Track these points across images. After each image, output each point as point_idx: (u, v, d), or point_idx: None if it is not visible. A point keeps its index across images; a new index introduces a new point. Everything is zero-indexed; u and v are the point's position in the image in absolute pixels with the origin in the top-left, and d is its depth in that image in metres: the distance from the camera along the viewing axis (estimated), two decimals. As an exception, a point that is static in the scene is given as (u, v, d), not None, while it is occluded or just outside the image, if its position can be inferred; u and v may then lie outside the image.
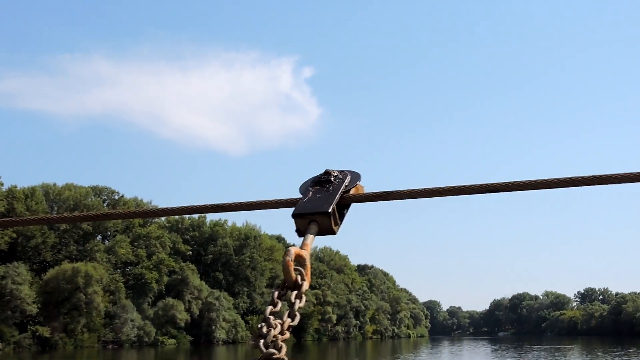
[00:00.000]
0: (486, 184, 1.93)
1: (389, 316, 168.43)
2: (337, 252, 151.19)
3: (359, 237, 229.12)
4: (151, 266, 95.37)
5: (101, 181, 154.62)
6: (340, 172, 2.10)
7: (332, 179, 2.06)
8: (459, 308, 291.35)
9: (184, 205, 2.22)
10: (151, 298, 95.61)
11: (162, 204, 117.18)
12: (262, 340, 1.53)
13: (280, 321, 1.57)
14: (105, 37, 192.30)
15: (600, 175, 1.86)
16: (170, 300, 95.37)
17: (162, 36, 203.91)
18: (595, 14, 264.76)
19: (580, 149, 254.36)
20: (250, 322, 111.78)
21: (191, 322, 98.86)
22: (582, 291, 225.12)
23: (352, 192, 2.05)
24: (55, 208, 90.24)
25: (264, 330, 1.54)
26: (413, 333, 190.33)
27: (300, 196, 2.04)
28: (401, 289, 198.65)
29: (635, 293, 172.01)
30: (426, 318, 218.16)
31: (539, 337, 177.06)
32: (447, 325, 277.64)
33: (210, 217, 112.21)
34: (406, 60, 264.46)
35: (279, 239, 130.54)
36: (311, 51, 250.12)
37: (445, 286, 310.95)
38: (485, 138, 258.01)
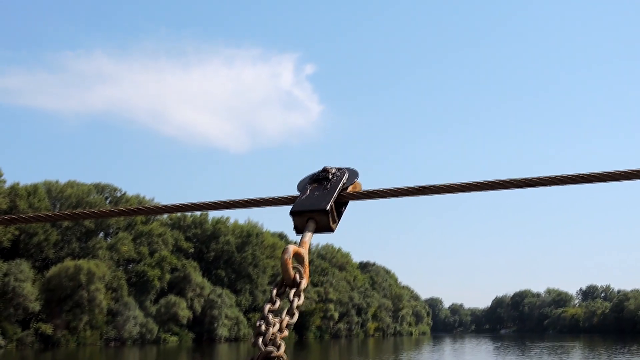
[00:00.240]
0: (488, 182, 1.93)
1: (391, 313, 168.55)
2: (339, 250, 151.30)
3: (361, 235, 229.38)
4: (153, 263, 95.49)
5: (103, 178, 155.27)
6: (338, 169, 2.09)
7: (330, 176, 2.05)
8: (461, 305, 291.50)
9: (183, 202, 2.22)
10: (153, 295, 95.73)
11: (164, 201, 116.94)
12: (260, 338, 1.53)
13: (279, 319, 1.57)
14: (107, 34, 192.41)
15: (603, 173, 1.86)
16: (172, 298, 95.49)
17: (163, 33, 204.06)
18: (602, 13, 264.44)
19: (581, 148, 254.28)
20: (252, 319, 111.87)
21: (193, 320, 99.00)
22: (584, 289, 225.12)
23: (350, 189, 2.04)
24: (58, 205, 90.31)
25: (263, 328, 1.54)
26: (415, 330, 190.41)
27: (298, 193, 2.03)
28: (403, 286, 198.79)
29: (637, 290, 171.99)
30: (428, 315, 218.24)
31: (541, 335, 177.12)
32: (449, 323, 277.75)
33: (213, 214, 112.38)
34: (408, 57, 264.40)
35: (281, 236, 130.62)
36: (313, 48, 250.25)
37: (447, 283, 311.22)
38: (488, 136, 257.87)
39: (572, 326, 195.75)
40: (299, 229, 1.91)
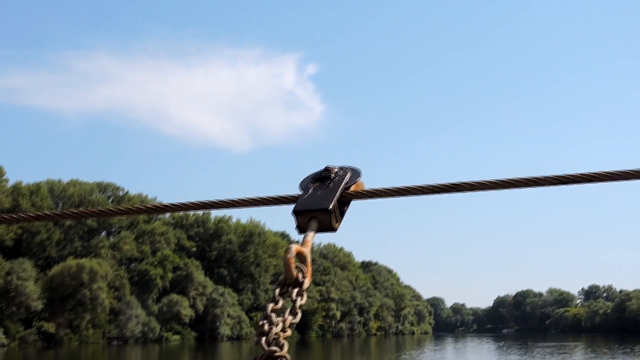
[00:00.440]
0: (490, 181, 1.93)
1: (392, 313, 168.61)
2: (341, 249, 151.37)
3: (363, 234, 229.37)
4: (156, 262, 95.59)
5: (105, 177, 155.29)
6: (341, 168, 2.08)
7: (333, 175, 2.05)
8: (463, 305, 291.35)
9: (186, 201, 2.23)
10: (156, 294, 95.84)
11: (167, 201, 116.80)
12: (264, 338, 1.52)
13: (281, 318, 1.56)
14: (109, 34, 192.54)
15: (602, 173, 1.87)
16: (174, 297, 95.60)
17: (165, 32, 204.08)
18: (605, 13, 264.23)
19: (582, 147, 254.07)
20: (255, 318, 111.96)
21: (195, 318, 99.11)
22: (586, 288, 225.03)
23: (352, 188, 2.03)
24: (60, 204, 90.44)
25: (266, 327, 1.53)
26: (417, 330, 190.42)
27: (301, 192, 2.02)
28: (405, 285, 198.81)
29: (639, 290, 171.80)
30: (430, 315, 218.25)
31: (543, 334, 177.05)
32: (450, 322, 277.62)
33: (215, 213, 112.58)
34: (410, 57, 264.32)
35: (284, 235, 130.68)
36: (315, 48, 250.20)
37: (449, 283, 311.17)
38: (489, 135, 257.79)
39: (574, 326, 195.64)
40: (302, 228, 1.90)
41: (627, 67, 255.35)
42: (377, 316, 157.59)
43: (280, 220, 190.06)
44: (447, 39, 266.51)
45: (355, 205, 2.07)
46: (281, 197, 2.09)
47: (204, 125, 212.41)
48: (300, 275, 1.64)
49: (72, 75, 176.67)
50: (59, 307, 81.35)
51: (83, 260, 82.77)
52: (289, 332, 1.56)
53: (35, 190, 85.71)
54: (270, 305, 1.57)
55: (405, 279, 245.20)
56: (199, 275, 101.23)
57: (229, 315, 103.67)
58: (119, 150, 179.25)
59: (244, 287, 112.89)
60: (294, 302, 1.60)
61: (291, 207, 1.96)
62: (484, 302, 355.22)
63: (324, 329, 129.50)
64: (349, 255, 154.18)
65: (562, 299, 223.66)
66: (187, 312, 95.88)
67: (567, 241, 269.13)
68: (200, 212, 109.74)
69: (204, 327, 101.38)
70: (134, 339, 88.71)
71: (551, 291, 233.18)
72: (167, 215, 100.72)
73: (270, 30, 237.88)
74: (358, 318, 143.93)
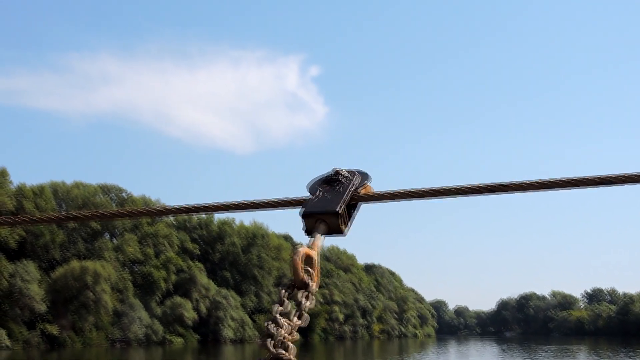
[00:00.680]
0: (496, 184, 1.95)
1: (395, 315, 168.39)
2: (344, 251, 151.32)
3: (366, 237, 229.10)
4: (159, 265, 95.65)
5: (109, 179, 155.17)
6: (350, 171, 2.08)
7: (341, 178, 2.05)
8: (466, 307, 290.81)
9: (191, 204, 2.24)
10: (159, 297, 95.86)
11: (170, 202, 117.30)
12: (270, 341, 1.51)
13: (288, 321, 1.56)
14: (113, 35, 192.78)
15: (607, 176, 1.87)
16: (178, 299, 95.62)
17: (169, 34, 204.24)
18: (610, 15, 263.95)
19: (587, 148, 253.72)
20: (258, 321, 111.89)
21: (199, 321, 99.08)
22: (590, 291, 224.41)
23: (361, 192, 2.04)
24: (64, 206, 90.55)
25: (273, 330, 1.52)
26: (420, 332, 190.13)
27: (309, 195, 2.03)
28: (408, 288, 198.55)
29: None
30: (433, 317, 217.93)
31: (546, 337, 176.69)
32: (453, 325, 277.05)
33: (218, 215, 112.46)
34: (413, 58, 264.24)
35: (287, 237, 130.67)
36: (318, 50, 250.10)
37: (452, 286, 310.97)
38: (494, 136, 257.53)
39: (578, 329, 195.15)
40: (310, 231, 1.90)
41: (633, 67, 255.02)
42: (380, 319, 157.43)
43: (283, 222, 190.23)
44: (449, 39, 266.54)
45: (361, 207, 2.07)
46: (289, 199, 2.11)
47: (207, 126, 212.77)
48: (307, 278, 1.64)
49: (75, 77, 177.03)
50: (63, 309, 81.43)
51: (87, 263, 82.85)
52: (295, 335, 1.55)
53: (39, 192, 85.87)
54: (277, 308, 1.57)
55: (408, 281, 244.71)
56: (202, 278, 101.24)
57: (232, 318, 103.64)
58: (122, 151, 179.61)
59: (247, 290, 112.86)
60: (301, 304, 1.60)
61: (296, 209, 1.97)
62: (487, 304, 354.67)
63: (326, 331, 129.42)
64: (351, 257, 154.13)
65: (565, 301, 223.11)
66: (190, 315, 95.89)
67: (571, 244, 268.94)
68: (203, 215, 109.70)
69: (207, 329, 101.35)
70: (137, 341, 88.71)
71: (554, 294, 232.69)
72: (171, 217, 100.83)
73: (273, 32, 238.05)
74: (361, 321, 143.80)
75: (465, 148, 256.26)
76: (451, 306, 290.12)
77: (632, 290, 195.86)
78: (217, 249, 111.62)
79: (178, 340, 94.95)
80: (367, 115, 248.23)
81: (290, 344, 1.52)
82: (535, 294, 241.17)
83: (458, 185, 1.98)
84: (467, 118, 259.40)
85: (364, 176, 2.08)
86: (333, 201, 1.95)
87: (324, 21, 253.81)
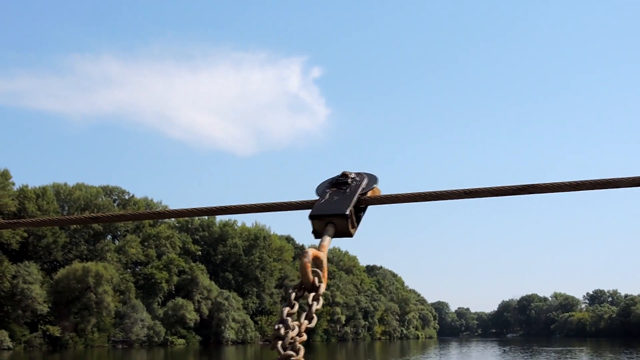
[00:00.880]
0: (506, 187, 1.96)
1: (397, 317, 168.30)
2: (346, 253, 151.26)
3: (368, 238, 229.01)
4: (161, 266, 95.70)
5: (111, 181, 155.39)
6: (358, 174, 2.11)
7: (350, 181, 2.07)
8: (467, 309, 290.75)
9: (197, 206, 2.27)
10: (161, 298, 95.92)
11: (171, 204, 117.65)
12: (280, 342, 1.52)
13: (297, 323, 1.56)
14: (115, 37, 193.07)
15: (610, 179, 1.87)
16: (179, 300, 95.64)
17: (171, 36, 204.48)
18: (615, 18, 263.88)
19: (590, 152, 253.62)
20: (260, 322, 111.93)
21: (200, 322, 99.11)
22: (591, 293, 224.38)
23: (369, 194, 2.06)
24: (66, 208, 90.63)
25: (282, 331, 1.53)
26: (421, 334, 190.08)
27: (317, 198, 2.04)
28: (410, 289, 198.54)
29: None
30: (434, 319, 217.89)
31: (548, 339, 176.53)
32: (455, 327, 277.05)
33: (220, 217, 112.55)
34: (414, 60, 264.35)
35: (289, 239, 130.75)
36: (319, 51, 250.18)
37: (453, 287, 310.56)
38: (496, 138, 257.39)
39: (579, 330, 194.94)
40: (318, 233, 1.93)
41: (633, 70, 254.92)
42: (381, 320, 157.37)
43: (285, 224, 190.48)
44: (450, 42, 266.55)
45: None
46: (298, 202, 2.14)
47: (209, 128, 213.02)
48: (316, 280, 1.65)
49: (77, 78, 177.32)
50: (65, 311, 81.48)
51: (89, 264, 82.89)
52: (305, 337, 1.56)
53: (41, 193, 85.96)
54: (287, 309, 1.57)
55: (410, 283, 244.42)
56: (204, 279, 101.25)
57: (233, 320, 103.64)
58: (124, 153, 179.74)
59: (248, 291, 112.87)
60: (310, 306, 1.60)
61: (307, 212, 1.99)
62: (489, 306, 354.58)
63: (328, 333, 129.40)
64: (353, 259, 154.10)
65: (567, 303, 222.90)
66: (192, 316, 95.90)
67: (572, 245, 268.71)
68: (205, 216, 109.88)
69: (209, 331, 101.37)
70: (139, 342, 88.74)
71: (556, 295, 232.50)
72: (173, 219, 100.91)
73: (275, 34, 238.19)
74: (363, 322, 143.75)
75: (467, 149, 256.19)
76: (453, 308, 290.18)
77: (634, 291, 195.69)
78: (219, 250, 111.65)
79: (180, 342, 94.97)
80: (368, 117, 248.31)
81: (300, 346, 1.53)
82: (536, 295, 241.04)
83: (464, 188, 2.01)
84: (469, 120, 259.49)
85: (372, 179, 2.11)
86: (341, 203, 1.96)
87: (325, 23, 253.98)
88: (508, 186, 1.99)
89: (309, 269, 1.63)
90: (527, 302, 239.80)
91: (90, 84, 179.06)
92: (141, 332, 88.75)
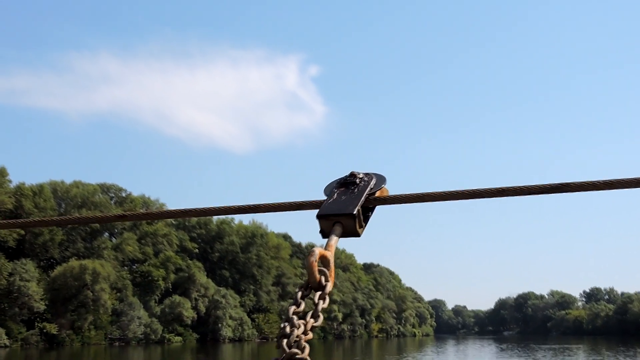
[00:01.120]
0: (512, 187, 1.96)
1: (394, 315, 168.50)
2: (343, 251, 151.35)
3: (365, 236, 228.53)
4: (158, 264, 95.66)
5: (108, 179, 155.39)
6: (366, 174, 2.11)
7: (358, 181, 2.07)
8: (464, 307, 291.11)
9: (206, 206, 2.27)
10: (158, 295, 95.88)
11: (169, 201, 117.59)
12: (285, 340, 1.52)
13: (303, 321, 1.57)
14: (113, 35, 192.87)
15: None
16: (176, 298, 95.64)
17: (169, 34, 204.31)
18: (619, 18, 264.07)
19: (589, 153, 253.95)
20: (257, 320, 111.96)
21: (197, 320, 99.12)
22: (588, 290, 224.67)
23: (377, 194, 2.06)
24: (63, 205, 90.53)
25: (287, 330, 1.53)
26: (418, 332, 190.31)
27: (325, 197, 2.04)
28: (407, 287, 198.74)
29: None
30: (431, 317, 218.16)
31: (545, 337, 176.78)
32: (452, 324, 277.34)
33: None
34: (412, 59, 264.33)
35: (285, 237, 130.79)
36: (317, 50, 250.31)
37: (450, 285, 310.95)
38: (494, 138, 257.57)
39: (576, 328, 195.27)
40: (325, 233, 1.92)
41: (634, 71, 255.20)
42: (378, 318, 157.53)
43: (282, 222, 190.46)
44: (448, 41, 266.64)
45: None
46: (305, 202, 2.14)
47: (206, 126, 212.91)
48: (323, 279, 1.65)
49: (75, 77, 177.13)
50: (62, 308, 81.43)
51: (86, 262, 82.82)
52: (310, 335, 1.56)
53: (38, 191, 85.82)
54: (293, 308, 1.57)
55: (407, 280, 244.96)
56: (201, 277, 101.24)
57: (230, 317, 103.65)
58: (122, 151, 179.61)
59: (245, 289, 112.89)
60: (317, 305, 1.61)
61: (315, 212, 1.98)
62: (486, 304, 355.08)
63: (325, 330, 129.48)
64: (351, 256, 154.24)
65: (563, 301, 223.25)
66: (189, 314, 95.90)
67: (569, 243, 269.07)
68: (193, 207, 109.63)
69: (206, 328, 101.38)
70: (136, 340, 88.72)
71: (553, 293, 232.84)
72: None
73: (272, 32, 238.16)
74: (360, 320, 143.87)
75: (464, 149, 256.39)
76: (450, 305, 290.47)
77: (630, 289, 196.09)
78: (216, 248, 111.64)
79: (177, 339, 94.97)
80: (365, 116, 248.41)
81: (305, 344, 1.53)
82: (533, 293, 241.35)
83: (471, 189, 2.00)
84: (467, 119, 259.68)
85: (381, 179, 2.11)
86: (349, 203, 1.96)
87: (323, 21, 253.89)
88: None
89: (316, 268, 1.63)
90: (523, 300, 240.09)
91: (89, 82, 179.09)
92: (138, 329, 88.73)
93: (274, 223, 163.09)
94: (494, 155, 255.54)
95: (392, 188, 2.12)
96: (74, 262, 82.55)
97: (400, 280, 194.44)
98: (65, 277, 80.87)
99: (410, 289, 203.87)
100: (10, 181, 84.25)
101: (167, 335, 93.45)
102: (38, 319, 79.70)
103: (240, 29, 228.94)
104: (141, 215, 2.31)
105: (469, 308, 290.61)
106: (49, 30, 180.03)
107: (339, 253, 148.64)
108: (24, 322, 78.74)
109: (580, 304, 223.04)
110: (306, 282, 1.66)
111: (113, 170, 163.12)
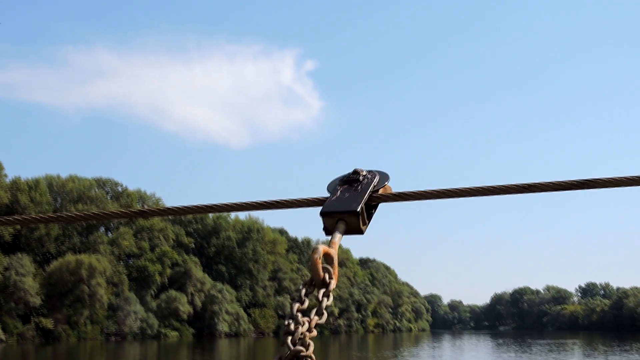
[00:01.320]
0: (517, 185, 1.95)
1: (390, 310, 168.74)
2: (339, 246, 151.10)
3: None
4: (154, 258, 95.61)
5: (104, 173, 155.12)
6: (369, 171, 2.10)
7: (361, 178, 2.06)
8: (460, 302, 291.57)
9: (208, 203, 2.26)
10: (154, 290, 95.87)
11: (165, 196, 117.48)
12: (289, 337, 1.51)
13: (307, 318, 1.56)
14: (109, 29, 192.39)
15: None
16: (173, 293, 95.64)
17: (165, 28, 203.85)
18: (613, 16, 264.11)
19: (588, 151, 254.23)
20: (253, 315, 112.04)
21: (194, 315, 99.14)
22: (584, 286, 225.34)
23: (380, 192, 2.06)
24: (59, 200, 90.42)
25: (292, 327, 1.52)
26: (414, 327, 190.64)
27: (328, 194, 2.04)
28: (403, 282, 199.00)
29: (636, 288, 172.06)
30: (427, 312, 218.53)
31: (540, 332, 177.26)
32: (448, 319, 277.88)
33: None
34: (409, 53, 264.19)
35: (282, 232, 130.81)
36: (313, 44, 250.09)
37: (446, 280, 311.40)
38: (490, 133, 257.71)
39: (572, 323, 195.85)
40: (329, 230, 1.92)
41: (626, 69, 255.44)
42: (374, 313, 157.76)
43: (278, 216, 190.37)
44: (445, 35, 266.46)
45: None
46: (309, 199, 2.12)
47: (202, 121, 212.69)
48: (327, 276, 1.63)
49: (71, 71, 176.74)
50: (58, 303, 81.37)
51: (82, 256, 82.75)
52: (314, 333, 1.55)
53: (34, 185, 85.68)
54: (297, 305, 1.57)
55: (403, 275, 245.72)
56: (198, 272, 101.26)
57: (227, 312, 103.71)
58: (118, 146, 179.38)
59: (242, 284, 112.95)
60: (320, 302, 1.60)
61: (318, 209, 1.97)
62: (481, 299, 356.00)
63: (321, 325, 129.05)
64: (346, 251, 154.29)
65: (559, 296, 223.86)
66: (185, 309, 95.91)
67: (565, 238, 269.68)
68: (194, 204, 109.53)
69: (202, 323, 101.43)
70: (132, 335, 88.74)
71: (548, 288, 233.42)
72: (161, 207, 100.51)
73: (269, 27, 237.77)
74: (356, 315, 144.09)
75: (462, 145, 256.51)
76: (445, 300, 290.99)
77: (626, 284, 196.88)
78: (213, 242, 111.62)
79: (173, 334, 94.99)
80: (362, 110, 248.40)
81: (309, 341, 1.53)
82: (529, 288, 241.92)
83: (476, 186, 1.98)
84: (463, 114, 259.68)
85: (384, 176, 2.10)
86: (352, 200, 1.96)
87: (319, 15, 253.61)
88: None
89: (319, 265, 1.61)
90: (519, 295, 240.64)
91: (84, 76, 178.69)
92: (134, 324, 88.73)
93: (270, 218, 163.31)
94: (492, 148, 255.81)
95: (391, 183, 2.11)
96: (70, 257, 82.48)
97: (397, 275, 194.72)
98: (61, 271, 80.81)
99: (406, 284, 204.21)
100: (6, 175, 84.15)
101: (163, 330, 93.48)
102: (34, 314, 79.66)
103: (236, 23, 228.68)
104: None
105: (465, 303, 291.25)
106: (45, 24, 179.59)
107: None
108: (20, 317, 78.69)
109: (575, 299, 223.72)
110: (310, 279, 1.64)
111: (109, 164, 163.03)
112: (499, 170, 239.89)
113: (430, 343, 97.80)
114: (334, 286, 1.64)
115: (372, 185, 2.05)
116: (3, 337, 74.08)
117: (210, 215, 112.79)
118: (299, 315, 1.55)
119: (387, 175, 2.12)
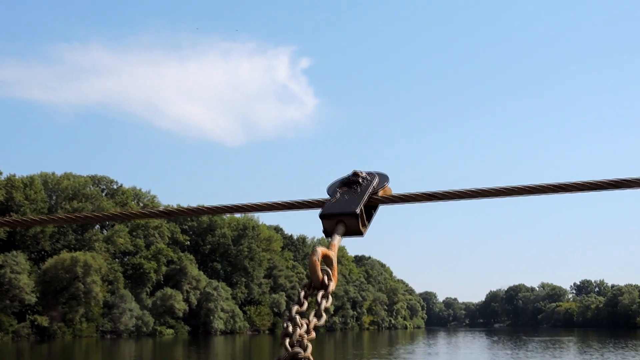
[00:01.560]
0: (517, 187, 1.95)
1: (385, 307, 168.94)
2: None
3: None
4: (149, 256, 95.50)
5: (99, 170, 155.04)
6: (369, 173, 2.10)
7: (360, 180, 2.06)
8: (455, 299, 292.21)
9: (208, 205, 2.25)
10: (149, 288, 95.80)
11: (160, 193, 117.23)
12: (287, 339, 1.51)
13: (306, 320, 1.56)
14: (104, 27, 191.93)
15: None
16: (168, 290, 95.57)
17: (160, 26, 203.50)
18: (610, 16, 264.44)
19: (586, 151, 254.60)
20: (248, 312, 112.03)
21: (189, 312, 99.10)
22: (578, 283, 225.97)
23: (380, 193, 2.06)
24: (54, 197, 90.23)
25: (290, 329, 1.52)
26: (409, 324, 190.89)
27: (328, 197, 2.03)
28: (398, 280, 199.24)
29: (631, 285, 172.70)
30: (422, 309, 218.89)
31: (535, 329, 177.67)
32: (443, 317, 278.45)
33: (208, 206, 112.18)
34: (403, 51, 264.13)
35: (277, 229, 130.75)
36: (308, 42, 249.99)
37: (441, 277, 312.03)
38: (484, 131, 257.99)
39: (566, 320, 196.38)
40: (328, 232, 1.91)
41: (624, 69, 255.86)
42: (370, 310, 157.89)
43: (273, 214, 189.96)
44: (439, 33, 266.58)
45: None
46: (308, 201, 2.12)
47: (197, 118, 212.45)
48: (326, 278, 1.64)
49: (66, 68, 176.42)
50: (53, 301, 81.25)
51: (77, 254, 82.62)
52: (313, 334, 1.55)
53: (29, 183, 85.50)
54: (295, 307, 1.57)
55: (398, 273, 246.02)
56: (193, 269, 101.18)
57: (222, 310, 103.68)
58: (113, 143, 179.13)
59: (237, 281, 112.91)
60: (319, 304, 1.60)
61: (318, 211, 1.97)
62: (476, 296, 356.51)
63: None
64: (342, 249, 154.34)
65: (554, 293, 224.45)
66: (180, 306, 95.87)
67: (559, 236, 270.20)
68: (193, 205, 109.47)
69: (198, 321, 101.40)
70: (128, 332, 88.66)
71: (543, 286, 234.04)
72: (161, 207, 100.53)
73: (263, 24, 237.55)
74: (351, 312, 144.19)
75: (457, 144, 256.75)
76: (441, 298, 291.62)
77: (620, 282, 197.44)
78: (208, 240, 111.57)
79: (168, 332, 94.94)
80: (357, 107, 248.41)
81: (308, 343, 1.53)
82: (524, 285, 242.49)
83: (476, 188, 1.99)
84: (458, 111, 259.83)
85: (383, 178, 2.11)
86: (352, 202, 1.96)
87: (314, 13, 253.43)
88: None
89: (318, 267, 1.62)
90: (514, 293, 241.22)
91: (79, 74, 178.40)
92: (130, 322, 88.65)
93: (265, 215, 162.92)
94: (487, 148, 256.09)
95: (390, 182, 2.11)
96: (65, 255, 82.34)
97: (392, 273, 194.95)
98: (56, 269, 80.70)
99: (402, 282, 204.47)
100: (0, 173, 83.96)
101: (158, 328, 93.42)
102: (29, 312, 79.54)
103: (231, 21, 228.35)
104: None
105: (460, 300, 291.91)
106: (40, 21, 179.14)
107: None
108: (15, 314, 78.57)
109: (570, 296, 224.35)
110: (309, 281, 1.64)
111: (104, 162, 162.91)
112: (494, 165, 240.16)
113: (426, 340, 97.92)
114: (333, 288, 1.64)
115: (371, 187, 2.05)
116: (-2, 334, 74.04)
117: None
118: (298, 317, 1.55)
119: (387, 176, 2.12)
